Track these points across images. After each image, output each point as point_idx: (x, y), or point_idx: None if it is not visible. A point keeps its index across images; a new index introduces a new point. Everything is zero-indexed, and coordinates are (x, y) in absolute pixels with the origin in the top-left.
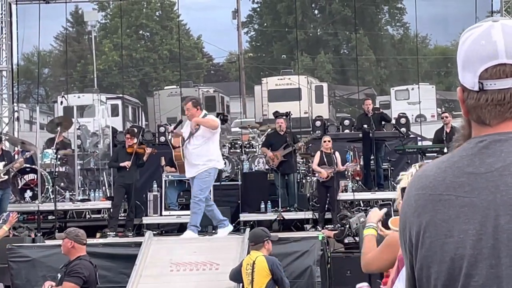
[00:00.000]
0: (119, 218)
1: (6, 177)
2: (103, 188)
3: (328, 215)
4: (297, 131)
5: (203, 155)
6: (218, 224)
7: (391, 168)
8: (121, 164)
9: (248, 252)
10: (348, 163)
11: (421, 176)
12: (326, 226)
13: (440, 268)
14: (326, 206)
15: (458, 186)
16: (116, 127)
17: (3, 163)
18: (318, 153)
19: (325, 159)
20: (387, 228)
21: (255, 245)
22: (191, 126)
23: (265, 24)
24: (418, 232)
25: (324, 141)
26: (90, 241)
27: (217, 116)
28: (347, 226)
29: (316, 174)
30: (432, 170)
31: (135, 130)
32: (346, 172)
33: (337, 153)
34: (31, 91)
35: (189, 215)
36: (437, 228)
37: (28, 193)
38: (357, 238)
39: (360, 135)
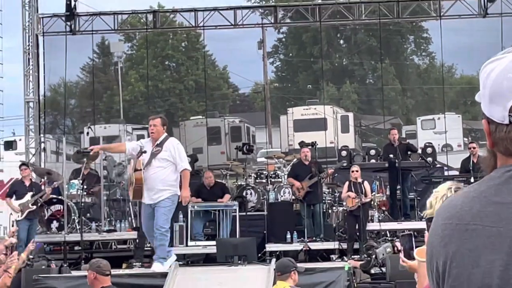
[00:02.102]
0: (145, 248)
1: (34, 207)
2: (129, 218)
3: (355, 245)
4: (323, 161)
5: (166, 179)
6: (158, 259)
7: (418, 198)
8: None
9: (275, 283)
10: (374, 193)
11: (448, 205)
12: (353, 257)
13: None
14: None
15: (485, 216)
16: None
17: (31, 193)
18: (347, 183)
19: (352, 189)
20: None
21: (281, 275)
22: (152, 147)
23: (291, 54)
24: (445, 262)
25: (352, 171)
26: (116, 271)
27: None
28: (374, 256)
29: (344, 204)
30: (459, 199)
31: None
32: (372, 202)
33: (366, 183)
34: (57, 122)
35: (214, 245)
36: (464, 258)
37: (55, 224)
38: (383, 269)
39: (386, 165)
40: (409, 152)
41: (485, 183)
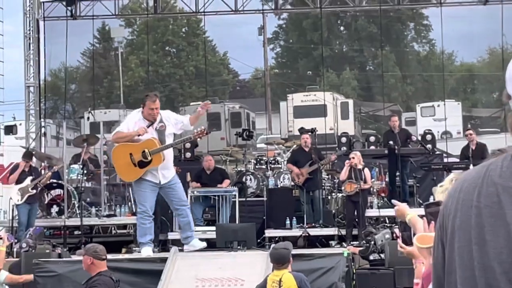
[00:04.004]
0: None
1: (34, 191)
2: (129, 203)
3: (354, 231)
4: (322, 147)
5: (171, 154)
6: (188, 239)
7: (417, 184)
8: None
9: (273, 270)
10: (373, 179)
11: (461, 179)
12: (352, 243)
13: (464, 274)
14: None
15: (488, 195)
16: None
17: (31, 177)
18: (348, 167)
19: (352, 174)
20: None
21: (282, 266)
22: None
23: (291, 40)
24: (448, 234)
25: (349, 158)
26: (116, 256)
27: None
28: (372, 242)
29: (342, 188)
30: (471, 174)
31: None
32: (371, 189)
33: (366, 170)
34: (58, 107)
35: (214, 230)
36: (466, 233)
37: (55, 208)
38: (382, 255)
39: (386, 151)
40: (408, 140)
41: (495, 162)
